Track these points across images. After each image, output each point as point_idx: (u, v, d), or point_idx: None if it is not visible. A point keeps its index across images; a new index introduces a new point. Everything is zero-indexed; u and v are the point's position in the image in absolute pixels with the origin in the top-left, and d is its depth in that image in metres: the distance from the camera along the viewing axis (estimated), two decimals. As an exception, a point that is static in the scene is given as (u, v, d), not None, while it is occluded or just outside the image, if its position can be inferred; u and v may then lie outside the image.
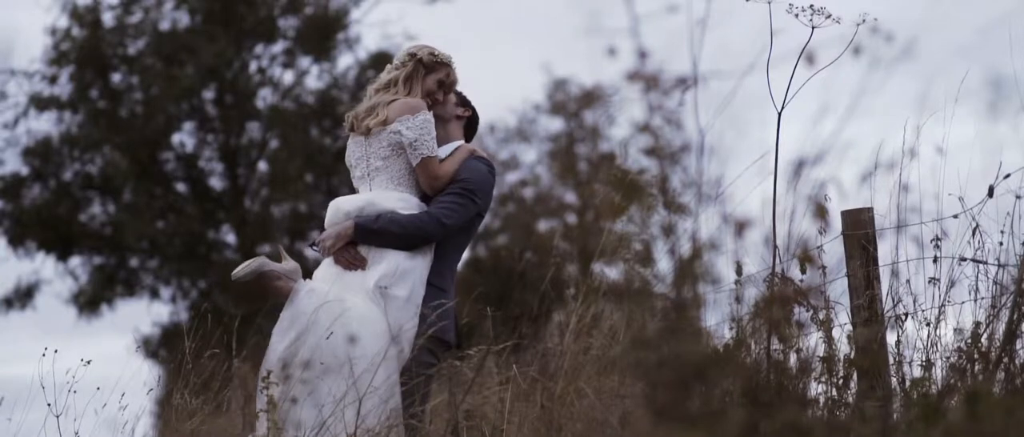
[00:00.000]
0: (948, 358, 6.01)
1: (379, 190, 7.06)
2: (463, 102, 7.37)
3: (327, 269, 7.01)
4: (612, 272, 7.98)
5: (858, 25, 5.27)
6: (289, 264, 7.08)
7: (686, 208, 4.43)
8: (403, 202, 6.98)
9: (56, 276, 30.36)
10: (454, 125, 7.33)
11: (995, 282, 5.97)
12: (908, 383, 6.01)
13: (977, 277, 6.13)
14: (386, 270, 6.85)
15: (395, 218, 6.91)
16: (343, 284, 6.89)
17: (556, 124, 36.81)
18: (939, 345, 6.12)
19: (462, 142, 7.30)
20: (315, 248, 7.15)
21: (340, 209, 7.04)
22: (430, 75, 7.17)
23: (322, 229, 7.18)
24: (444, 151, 7.17)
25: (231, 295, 27.41)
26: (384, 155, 7.02)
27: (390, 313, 6.77)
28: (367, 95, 7.23)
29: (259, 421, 6.37)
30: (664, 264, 4.44)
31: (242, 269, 6.99)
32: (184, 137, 30.73)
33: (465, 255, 7.46)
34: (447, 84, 7.22)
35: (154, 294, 30.59)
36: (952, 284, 6.19)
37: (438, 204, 7.00)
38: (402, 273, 6.87)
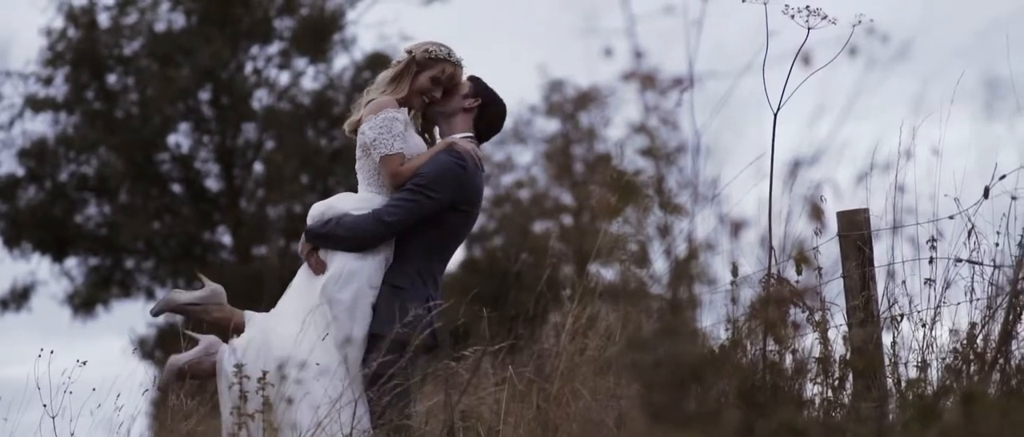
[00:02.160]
0: (944, 359, 6.01)
1: (350, 191, 7.09)
2: (476, 93, 7.16)
3: (300, 275, 7.03)
4: (608, 273, 7.98)
5: (854, 26, 5.28)
6: (205, 290, 7.15)
7: (682, 209, 4.43)
8: (363, 202, 6.94)
9: (52, 277, 30.41)
10: (460, 119, 7.13)
11: (991, 283, 5.98)
12: (904, 384, 6.01)
13: (973, 278, 6.13)
14: (332, 274, 6.82)
15: (342, 220, 6.87)
16: (304, 292, 6.91)
17: (552, 125, 36.85)
18: (935, 346, 6.12)
19: (466, 134, 7.18)
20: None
21: (311, 214, 7.06)
22: (423, 72, 7.08)
23: None
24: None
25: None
26: (358, 156, 7.03)
27: (335, 320, 6.74)
28: (364, 95, 7.23)
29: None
30: (660, 265, 4.44)
31: (154, 307, 7.14)
32: (180, 138, 30.78)
33: (460, 255, 7.41)
34: (444, 80, 7.12)
35: (150, 295, 30.61)
36: (948, 285, 6.19)
37: (387, 201, 6.94)
38: (348, 276, 6.81)
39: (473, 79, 7.19)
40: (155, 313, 7.15)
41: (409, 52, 7.13)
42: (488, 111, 7.20)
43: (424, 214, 6.88)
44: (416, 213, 6.87)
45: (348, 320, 6.75)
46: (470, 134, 7.13)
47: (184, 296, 7.14)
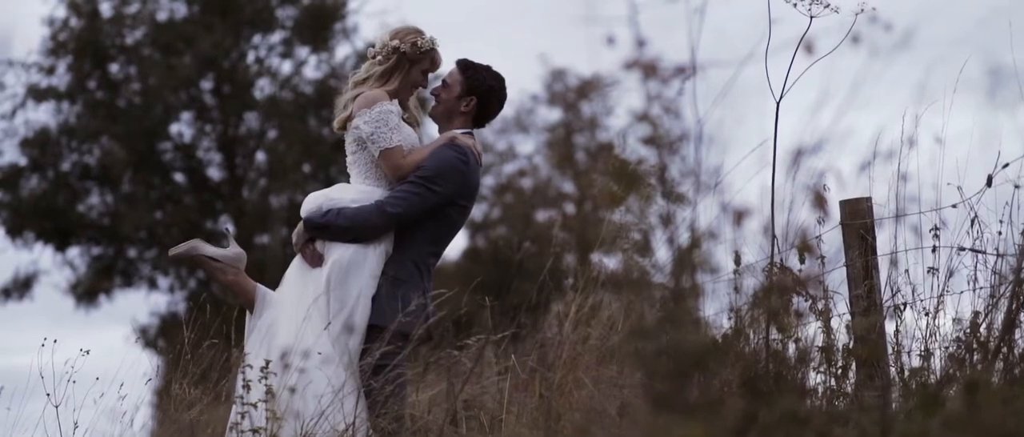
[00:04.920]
0: (947, 348, 6.01)
1: (343, 184, 7.09)
2: (470, 90, 7.11)
3: (294, 266, 7.03)
4: (611, 262, 7.99)
5: (857, 14, 5.27)
6: (231, 251, 7.14)
7: (685, 197, 4.43)
8: (362, 195, 6.93)
9: (54, 267, 30.40)
10: (459, 120, 7.16)
11: (994, 272, 5.97)
12: (907, 373, 6.01)
13: (976, 267, 6.13)
14: (334, 264, 6.82)
15: (342, 211, 6.86)
16: (300, 284, 6.90)
17: (554, 114, 36.84)
18: (938, 335, 6.12)
19: (464, 130, 7.16)
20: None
21: (305, 207, 7.05)
22: (415, 67, 7.10)
23: None
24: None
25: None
26: (353, 150, 7.02)
27: (337, 311, 6.73)
28: (347, 87, 7.21)
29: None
30: (663, 254, 4.44)
31: (177, 248, 7.09)
32: (182, 127, 30.73)
33: (462, 244, 7.42)
34: (431, 70, 7.16)
35: (152, 284, 30.61)
36: (951, 274, 6.19)
37: (390, 193, 6.93)
38: (350, 266, 6.80)
39: (463, 69, 7.15)
40: (175, 254, 7.12)
41: (396, 49, 7.05)
42: (487, 103, 7.19)
43: (426, 207, 6.91)
44: (419, 206, 6.89)
45: (350, 310, 6.75)
46: (468, 130, 7.16)
47: (208, 249, 7.14)
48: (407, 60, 7.07)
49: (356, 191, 6.98)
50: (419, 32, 7.13)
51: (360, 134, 6.93)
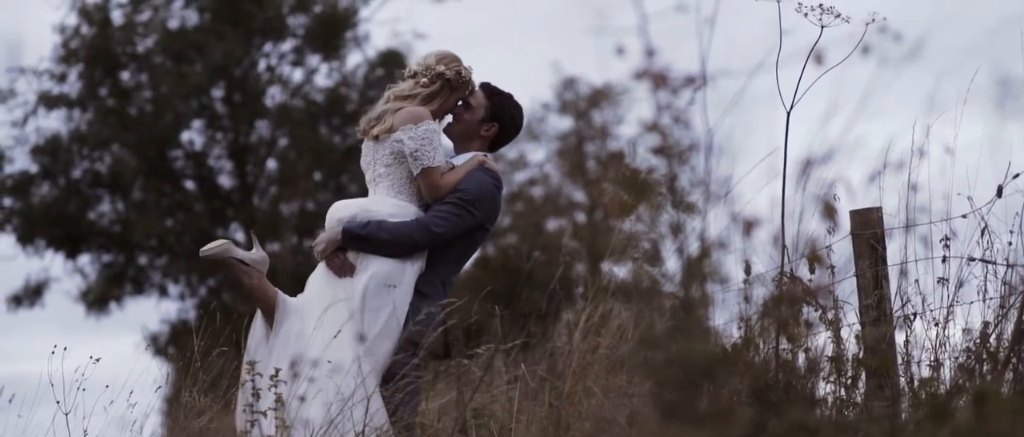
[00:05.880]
0: (956, 358, 6.00)
1: (378, 196, 7.07)
2: (491, 116, 7.23)
3: (320, 273, 7.02)
4: (621, 271, 7.99)
5: (867, 24, 5.28)
6: (257, 253, 7.12)
7: (694, 207, 4.43)
8: (398, 209, 6.95)
9: (65, 274, 30.44)
10: (478, 143, 7.25)
11: (1004, 282, 5.97)
12: (916, 383, 6.00)
13: (986, 277, 6.13)
14: (373, 275, 6.83)
15: (383, 225, 6.87)
16: (330, 293, 6.89)
17: (565, 123, 36.86)
18: (948, 345, 6.11)
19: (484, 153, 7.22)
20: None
21: (334, 215, 7.05)
22: (454, 94, 7.17)
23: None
24: (459, 160, 7.15)
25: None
26: (387, 163, 7.02)
27: (371, 321, 6.75)
28: (384, 99, 7.21)
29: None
30: (672, 263, 4.44)
31: (209, 248, 7.04)
32: (193, 135, 30.77)
33: (474, 253, 7.43)
34: (464, 99, 7.23)
35: (163, 292, 30.63)
36: (961, 284, 6.19)
37: (432, 212, 6.96)
38: (388, 278, 6.84)
39: (489, 94, 7.25)
40: (206, 255, 7.08)
41: (441, 75, 7.10)
42: (505, 130, 7.31)
43: (465, 229, 7.01)
44: (460, 227, 6.99)
45: (385, 323, 6.76)
46: (486, 154, 7.25)
47: (238, 252, 7.12)
48: (449, 87, 7.14)
49: (391, 205, 6.99)
50: (461, 61, 7.21)
51: (402, 148, 6.95)
